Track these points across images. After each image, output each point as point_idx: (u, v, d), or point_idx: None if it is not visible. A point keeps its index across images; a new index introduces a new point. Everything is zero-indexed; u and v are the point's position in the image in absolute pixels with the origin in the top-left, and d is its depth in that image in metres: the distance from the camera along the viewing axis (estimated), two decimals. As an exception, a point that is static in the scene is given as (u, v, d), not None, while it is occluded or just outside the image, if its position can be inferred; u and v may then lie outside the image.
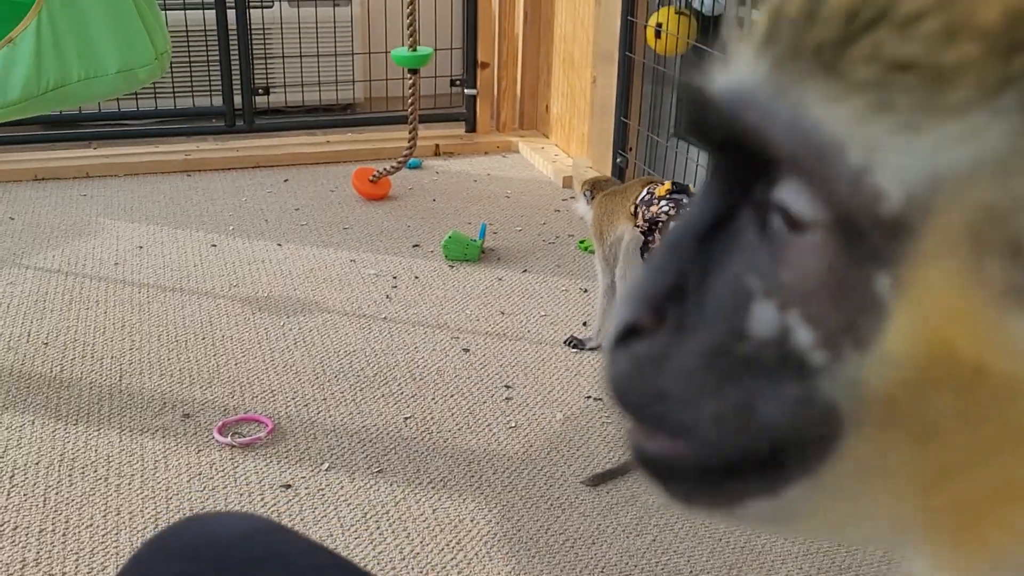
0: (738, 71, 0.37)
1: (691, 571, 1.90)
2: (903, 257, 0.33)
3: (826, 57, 0.34)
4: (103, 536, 1.94)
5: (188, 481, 2.11)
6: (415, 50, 3.58)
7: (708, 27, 3.15)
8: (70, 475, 2.12)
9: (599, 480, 2.19)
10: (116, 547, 1.92)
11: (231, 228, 3.45)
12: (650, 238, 2.53)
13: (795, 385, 0.36)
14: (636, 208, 2.60)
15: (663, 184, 2.61)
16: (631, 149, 3.56)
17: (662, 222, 2.51)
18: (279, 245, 3.32)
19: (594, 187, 2.81)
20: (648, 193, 2.58)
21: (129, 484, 2.10)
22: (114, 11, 2.18)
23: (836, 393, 0.35)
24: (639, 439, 0.40)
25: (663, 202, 2.53)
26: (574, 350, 2.72)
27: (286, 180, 3.93)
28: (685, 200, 2.54)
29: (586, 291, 3.05)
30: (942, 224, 0.32)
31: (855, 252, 0.34)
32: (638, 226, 2.55)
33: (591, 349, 2.72)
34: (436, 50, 3.94)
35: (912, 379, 0.34)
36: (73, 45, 2.11)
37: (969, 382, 0.33)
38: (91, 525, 1.98)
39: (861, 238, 0.34)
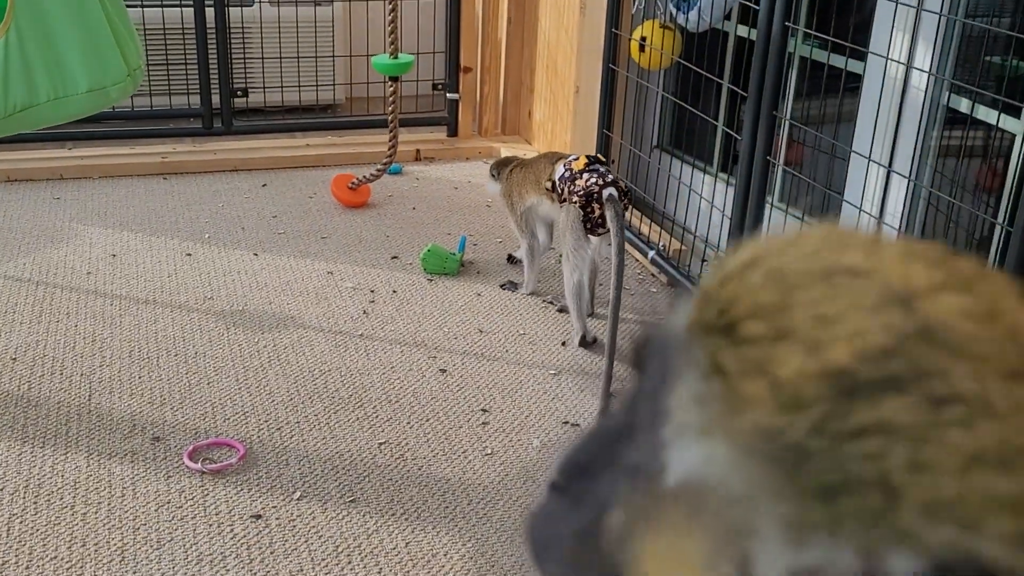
0: (679, 315, 0.41)
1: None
2: (654, 528, 0.38)
3: (701, 337, 0.38)
4: (67, 569, 1.91)
5: (156, 510, 2.07)
6: (396, 57, 3.54)
7: (692, 43, 3.11)
8: (35, 502, 2.08)
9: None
10: (81, 581, 1.88)
11: (207, 236, 3.40)
12: (589, 209, 2.76)
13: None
14: (556, 184, 2.85)
15: (577, 159, 2.84)
16: (613, 161, 3.53)
17: (595, 192, 2.74)
18: (255, 255, 3.27)
19: (500, 166, 3.16)
20: (566, 169, 2.82)
21: (96, 513, 2.06)
22: (85, 27, 2.13)
23: None
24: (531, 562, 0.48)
25: (585, 175, 2.78)
26: (509, 291, 3.09)
27: (264, 185, 3.88)
28: (602, 169, 2.81)
29: (564, 309, 3.02)
30: (690, 519, 0.37)
31: (639, 506, 0.40)
32: (574, 201, 2.77)
33: (525, 294, 3.07)
34: (418, 54, 3.90)
35: None
36: (42, 64, 2.05)
37: None
38: (55, 557, 1.94)
39: (643, 496, 0.39)
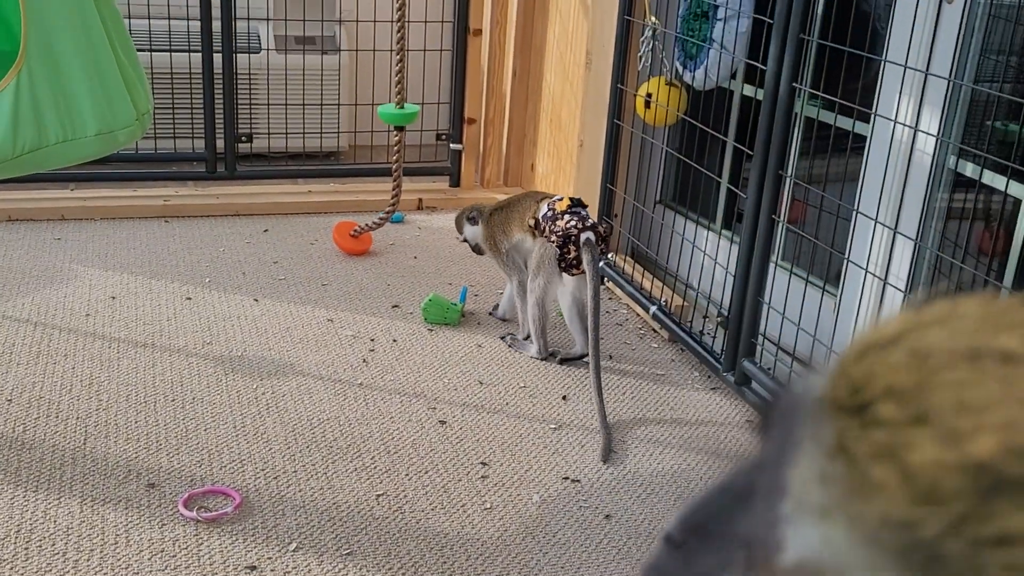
0: (809, 386, 0.39)
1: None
2: None
3: (830, 413, 0.37)
4: (57, 618, 1.86)
5: (149, 559, 2.03)
6: (402, 107, 3.55)
7: (698, 101, 3.13)
8: (27, 548, 2.04)
9: (608, 453, 2.53)
10: (70, 631, 1.84)
11: (207, 280, 3.39)
12: (565, 249, 2.88)
13: None
14: (538, 222, 2.96)
15: (560, 199, 2.96)
16: (616, 216, 3.54)
17: (574, 235, 2.87)
18: (255, 300, 3.26)
19: (475, 211, 3.20)
20: (549, 209, 2.94)
21: (88, 560, 2.02)
22: (96, 71, 2.13)
23: None
24: None
25: (567, 216, 2.90)
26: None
27: (266, 230, 3.87)
28: (583, 212, 2.94)
29: (565, 363, 3.00)
30: None
31: None
32: (552, 240, 2.89)
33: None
34: (423, 103, 3.92)
35: None
36: (52, 106, 2.05)
37: None
38: (45, 605, 1.90)
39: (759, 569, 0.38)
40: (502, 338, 3.09)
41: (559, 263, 2.92)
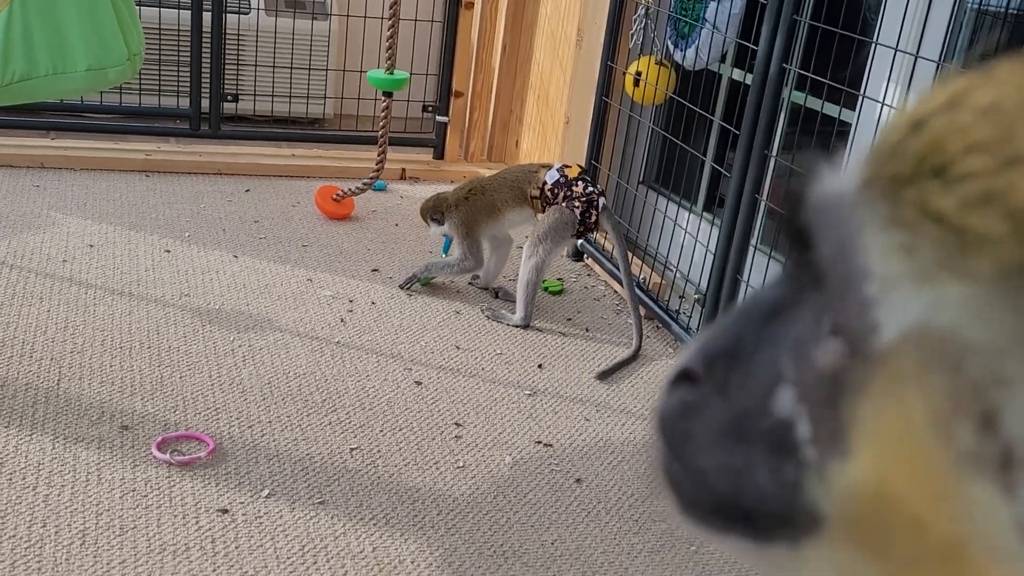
0: (836, 180, 0.39)
1: (631, 633, 1.86)
2: (873, 392, 0.35)
3: (890, 190, 0.36)
4: (26, 548, 1.86)
5: (121, 497, 2.03)
6: (392, 73, 3.55)
7: (687, 82, 3.15)
8: (-3, 481, 2.03)
9: (607, 374, 2.75)
10: (39, 561, 1.83)
11: (187, 235, 3.37)
12: (588, 214, 2.98)
13: (789, 470, 0.39)
14: (552, 190, 3.00)
15: (569, 166, 3.05)
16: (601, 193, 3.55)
17: (595, 199, 2.99)
18: (235, 256, 3.25)
19: (439, 206, 3.17)
20: (561, 176, 3.00)
21: (59, 495, 2.01)
22: (89, 7, 2.12)
23: (815, 492, 0.38)
24: (665, 461, 0.45)
25: (580, 183, 3.00)
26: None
27: (247, 190, 3.86)
28: (588, 178, 3.05)
29: (541, 331, 3.02)
30: (919, 376, 0.34)
31: (848, 372, 0.36)
32: (575, 206, 2.97)
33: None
34: (411, 74, 3.91)
35: (865, 509, 0.36)
36: (44, 38, 2.04)
37: (912, 532, 0.35)
38: (14, 536, 1.89)
39: (853, 361, 0.36)
40: (482, 309, 3.09)
41: (579, 227, 3.01)
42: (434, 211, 3.17)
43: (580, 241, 3.52)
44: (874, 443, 0.35)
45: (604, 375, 2.76)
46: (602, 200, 3.01)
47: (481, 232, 3.12)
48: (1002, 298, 0.32)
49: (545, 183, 3.02)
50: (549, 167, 3.07)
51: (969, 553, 0.33)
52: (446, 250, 3.26)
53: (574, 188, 2.98)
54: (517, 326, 3.00)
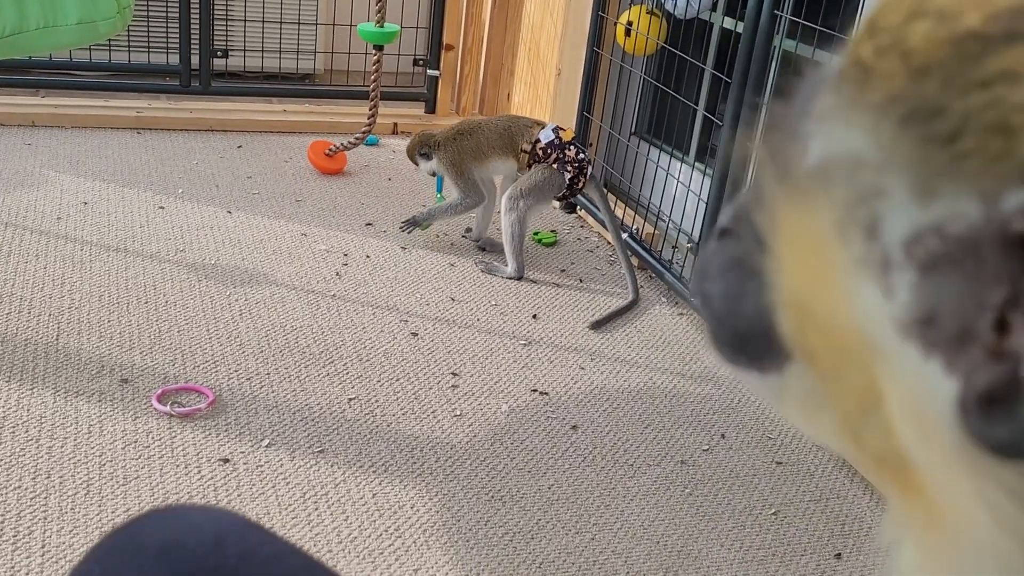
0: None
1: (628, 571, 1.91)
2: (789, 210, 0.40)
3: (845, 53, 0.41)
4: (31, 499, 1.89)
5: (123, 448, 2.06)
6: (382, 26, 3.54)
7: (678, 32, 3.15)
8: None
9: (600, 324, 2.80)
10: (45, 511, 1.86)
11: (180, 191, 3.38)
12: (577, 179, 3.03)
13: (763, 292, 0.43)
14: (544, 148, 3.02)
15: (564, 129, 3.07)
16: (592, 145, 3.56)
17: (586, 166, 3.03)
18: (229, 212, 3.26)
19: (428, 145, 3.15)
20: (556, 137, 3.02)
21: (62, 447, 2.04)
22: (79, -41, 2.11)
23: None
24: (695, 300, 0.55)
25: (572, 147, 3.02)
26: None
27: (240, 146, 3.86)
28: (578, 144, 3.08)
29: (535, 283, 3.04)
30: (825, 192, 0.39)
31: (775, 194, 0.42)
32: (567, 170, 3.01)
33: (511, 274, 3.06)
34: (401, 28, 3.89)
35: (793, 321, 0.41)
36: (34, -9, 2.03)
37: (826, 336, 0.40)
38: (19, 487, 1.92)
39: (782, 185, 0.42)
40: (475, 263, 3.11)
41: (565, 191, 3.05)
42: (421, 147, 3.16)
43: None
44: (790, 255, 0.41)
45: (597, 324, 2.79)
46: (591, 168, 3.05)
47: (472, 175, 3.13)
48: (886, 122, 0.37)
49: (538, 140, 3.03)
50: (543, 125, 3.07)
51: (868, 353, 0.38)
52: (439, 188, 3.25)
53: (567, 152, 3.00)
54: (511, 278, 3.02)
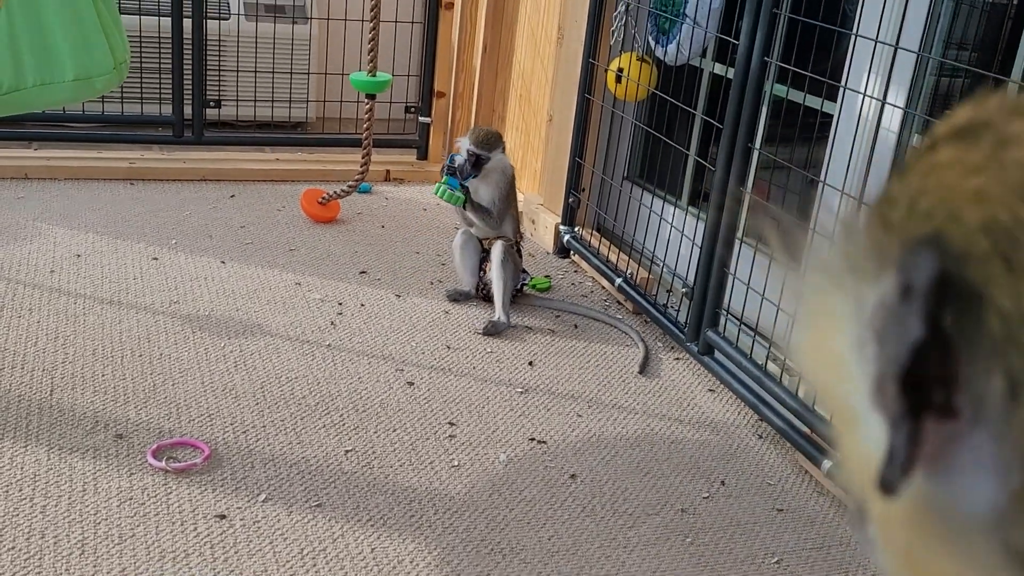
0: None
1: (631, 625, 1.88)
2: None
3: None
4: (25, 560, 1.86)
5: (118, 506, 2.03)
6: (374, 75, 3.56)
7: (669, 78, 3.18)
8: (-7, 493, 2.03)
9: (644, 368, 2.83)
10: (39, 572, 1.84)
11: (173, 242, 3.37)
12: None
13: None
14: None
15: None
16: (584, 190, 3.57)
17: None
18: (223, 263, 3.25)
19: (498, 138, 3.13)
20: None
21: (56, 506, 2.02)
22: (75, 17, 2.12)
23: None
24: None
25: None
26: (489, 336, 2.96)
27: (232, 196, 3.86)
28: None
29: (530, 329, 3.03)
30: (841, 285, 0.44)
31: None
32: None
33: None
34: (393, 75, 3.92)
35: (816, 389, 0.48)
36: (30, 49, 2.04)
37: (835, 405, 0.46)
38: (13, 548, 1.89)
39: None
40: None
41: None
42: (502, 140, 3.12)
43: (567, 238, 3.54)
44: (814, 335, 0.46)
45: (643, 368, 2.85)
46: None
47: (512, 194, 3.15)
48: (875, 226, 0.42)
49: None
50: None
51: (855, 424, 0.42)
52: (455, 185, 3.05)
53: None
54: (506, 327, 2.99)
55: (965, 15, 2.54)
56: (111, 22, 2.21)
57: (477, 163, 3.03)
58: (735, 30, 2.68)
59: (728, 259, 2.74)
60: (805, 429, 2.42)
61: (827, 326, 0.43)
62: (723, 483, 2.35)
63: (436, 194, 3.07)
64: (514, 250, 3.07)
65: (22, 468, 2.12)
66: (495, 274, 3.03)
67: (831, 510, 2.29)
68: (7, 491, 2.05)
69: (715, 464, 2.43)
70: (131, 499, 2.06)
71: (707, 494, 2.31)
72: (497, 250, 3.04)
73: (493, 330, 2.95)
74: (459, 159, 3.04)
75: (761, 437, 2.57)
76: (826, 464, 2.31)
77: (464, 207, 3.07)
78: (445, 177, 3.04)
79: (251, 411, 2.42)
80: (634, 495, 2.27)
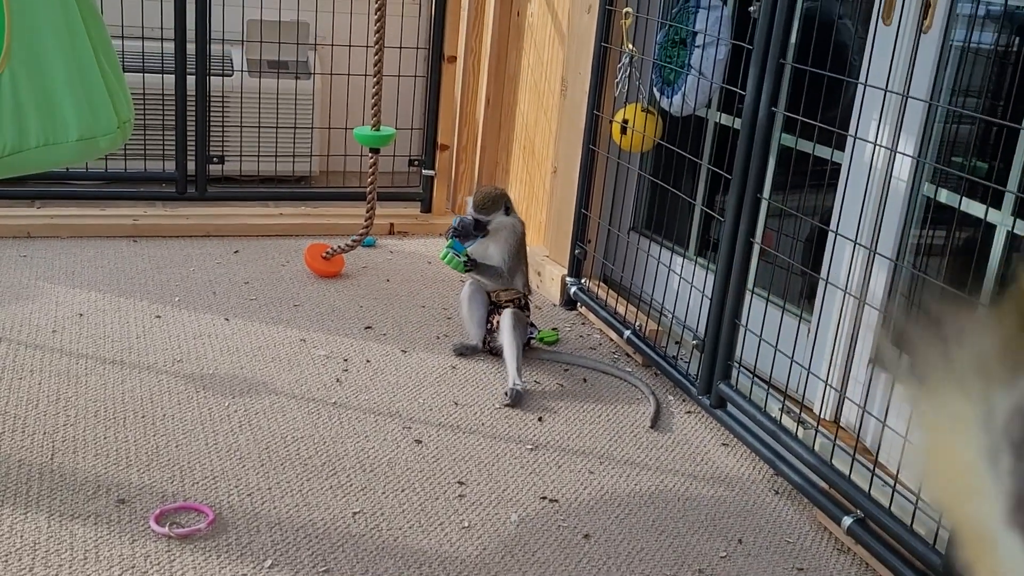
0: None
1: None
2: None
3: None
4: (24, 633, 1.80)
5: (120, 575, 1.98)
6: (378, 130, 3.55)
7: (675, 129, 3.16)
8: (-8, 563, 1.98)
9: (655, 421, 2.80)
10: (38, 646, 1.78)
11: (177, 299, 3.34)
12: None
13: None
14: None
15: None
16: (590, 242, 3.55)
17: None
18: (227, 319, 3.22)
19: (510, 204, 3.07)
20: None
21: None
22: (79, 76, 2.10)
23: None
24: None
25: None
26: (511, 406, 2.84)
27: (236, 251, 3.84)
28: None
29: (539, 384, 2.99)
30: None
31: None
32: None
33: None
34: (396, 129, 3.92)
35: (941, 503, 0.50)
36: (34, 109, 2.02)
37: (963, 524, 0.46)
38: (12, 620, 1.83)
39: None
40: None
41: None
42: (506, 199, 3.03)
43: (574, 289, 3.51)
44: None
45: (655, 423, 2.81)
46: None
47: (522, 253, 3.10)
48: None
49: None
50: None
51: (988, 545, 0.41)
52: (460, 249, 3.01)
53: None
54: (519, 388, 2.89)
55: (972, 62, 2.53)
56: (115, 81, 2.20)
57: (478, 227, 3.01)
58: (741, 80, 2.67)
59: (739, 311, 2.70)
60: (823, 485, 2.37)
61: (950, 433, 0.40)
62: (740, 541, 2.29)
63: (441, 259, 3.05)
64: (524, 312, 3.05)
65: (22, 536, 2.07)
66: (506, 340, 2.97)
67: (852, 568, 2.23)
68: (7, 561, 1.99)
69: (732, 521, 2.37)
70: (133, 567, 2.00)
71: (724, 553, 2.25)
72: (507, 317, 3.00)
73: (518, 400, 2.83)
74: (465, 220, 3.02)
75: (778, 493, 2.51)
76: (846, 521, 2.25)
77: (467, 271, 3.03)
78: (451, 239, 3.01)
79: (256, 473, 2.37)
80: (650, 555, 2.21)
